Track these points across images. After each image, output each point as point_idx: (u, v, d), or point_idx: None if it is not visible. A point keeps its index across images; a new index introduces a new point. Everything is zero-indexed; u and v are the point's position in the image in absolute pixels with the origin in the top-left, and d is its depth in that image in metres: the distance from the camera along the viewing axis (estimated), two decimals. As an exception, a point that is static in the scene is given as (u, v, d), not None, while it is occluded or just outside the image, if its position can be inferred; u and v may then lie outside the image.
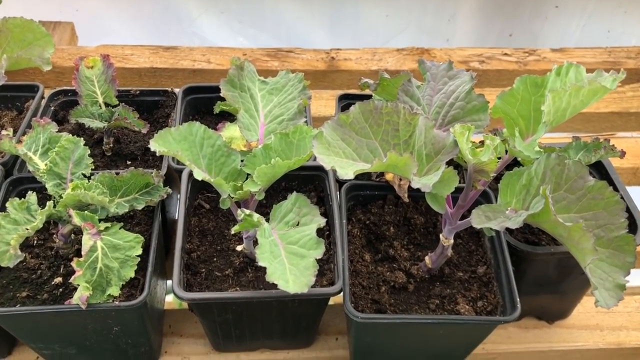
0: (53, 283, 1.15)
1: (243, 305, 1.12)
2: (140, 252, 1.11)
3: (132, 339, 1.19)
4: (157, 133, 1.05)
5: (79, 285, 1.05)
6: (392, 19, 2.76)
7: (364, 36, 2.77)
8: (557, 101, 0.93)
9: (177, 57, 2.03)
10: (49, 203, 1.11)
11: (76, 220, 1.09)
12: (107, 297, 1.07)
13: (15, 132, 1.42)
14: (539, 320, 1.44)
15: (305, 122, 1.16)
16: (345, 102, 1.58)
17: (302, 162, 1.04)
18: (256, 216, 1.02)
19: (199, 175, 1.04)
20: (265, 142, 1.10)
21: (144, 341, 1.22)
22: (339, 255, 1.14)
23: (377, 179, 1.36)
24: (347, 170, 0.92)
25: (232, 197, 1.07)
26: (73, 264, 1.05)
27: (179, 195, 1.26)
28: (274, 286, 0.95)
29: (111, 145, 1.44)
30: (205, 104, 1.57)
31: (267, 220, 1.08)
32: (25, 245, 1.22)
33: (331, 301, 1.21)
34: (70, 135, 1.21)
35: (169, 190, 1.23)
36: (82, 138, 1.21)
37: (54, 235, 1.20)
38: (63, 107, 1.54)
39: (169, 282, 1.29)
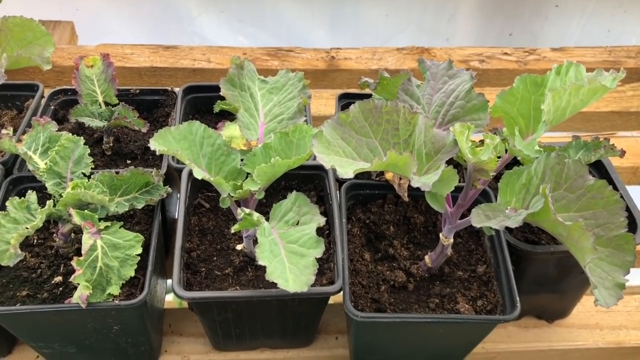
0: (53, 282, 1.15)
1: (243, 304, 1.12)
2: (140, 251, 1.11)
3: (132, 338, 1.19)
4: (157, 132, 1.05)
5: (79, 284, 1.05)
6: (392, 18, 2.76)
7: (364, 35, 2.77)
8: (557, 100, 0.93)
9: (177, 57, 2.03)
10: (49, 202, 1.11)
11: (76, 219, 1.09)
12: (107, 296, 1.07)
13: (15, 131, 1.42)
14: (538, 319, 1.44)
15: (305, 121, 1.16)
16: (345, 101, 1.58)
17: (301, 161, 1.04)
18: (256, 215, 1.02)
19: (199, 174, 1.04)
20: (265, 141, 1.10)
21: (144, 340, 1.22)
22: (338, 255, 1.14)
23: (377, 178, 1.36)
24: (347, 169, 0.92)
25: (232, 196, 1.07)
26: (73, 263, 1.05)
27: (178, 195, 1.26)
28: (273, 285, 0.95)
29: (111, 144, 1.44)
30: (205, 103, 1.57)
31: (267, 219, 1.08)
32: (25, 244, 1.22)
33: (331, 300, 1.21)
34: (70, 134, 1.21)
35: (169, 190, 1.23)
36: (82, 137, 1.21)
37: (54, 235, 1.20)
38: (63, 106, 1.54)
39: (169, 281, 1.30)
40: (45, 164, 1.17)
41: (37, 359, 1.30)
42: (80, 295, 1.04)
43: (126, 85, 1.60)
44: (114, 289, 1.07)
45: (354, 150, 0.97)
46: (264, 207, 1.29)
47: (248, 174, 1.09)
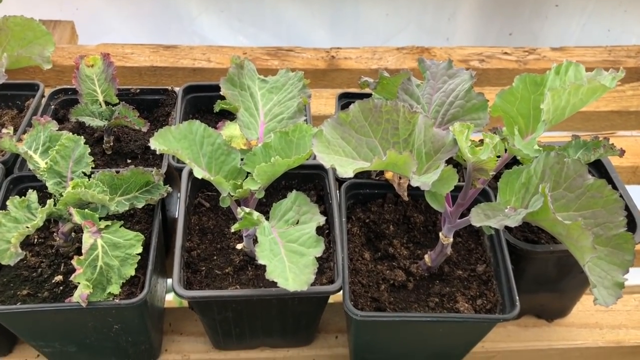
0: (53, 281, 1.15)
1: (243, 303, 1.13)
2: (140, 250, 1.11)
3: (132, 337, 1.19)
4: (157, 131, 1.05)
5: (79, 283, 1.05)
6: (392, 18, 2.76)
7: (364, 35, 2.77)
8: (557, 99, 0.93)
9: (177, 56, 2.03)
10: (50, 201, 1.11)
11: (76, 218, 1.10)
12: (107, 295, 1.07)
13: (15, 130, 1.43)
14: (538, 318, 1.44)
15: (305, 120, 1.16)
16: (345, 100, 1.58)
17: (301, 160, 1.04)
18: (256, 214, 1.02)
19: (199, 173, 1.04)
20: (265, 140, 1.10)
21: (144, 339, 1.22)
22: (338, 254, 1.15)
23: (377, 178, 1.36)
24: (347, 168, 0.92)
25: (232, 196, 1.07)
26: (73, 262, 1.05)
27: (179, 194, 1.26)
28: (273, 284, 0.96)
29: (111, 143, 1.44)
30: (206, 102, 1.57)
31: (267, 218, 1.08)
32: (26, 244, 1.22)
33: (331, 299, 1.21)
34: (71, 133, 1.21)
35: (169, 189, 1.23)
36: (82, 137, 1.21)
37: (55, 234, 1.20)
38: (63, 106, 1.55)
39: (169, 280, 1.30)
40: (46, 163, 1.17)
41: (37, 358, 1.30)
42: (81, 294, 1.04)
43: (126, 85, 1.60)
44: (115, 288, 1.07)
45: (354, 149, 0.98)
46: (264, 207, 1.29)
47: (248, 173, 1.09)
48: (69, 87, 1.55)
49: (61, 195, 1.14)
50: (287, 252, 1.01)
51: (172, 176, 1.41)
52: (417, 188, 0.93)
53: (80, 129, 1.49)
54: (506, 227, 0.96)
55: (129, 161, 1.44)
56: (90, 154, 1.21)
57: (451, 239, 1.13)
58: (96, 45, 2.08)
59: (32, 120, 1.23)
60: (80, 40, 2.37)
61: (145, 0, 2.67)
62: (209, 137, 1.09)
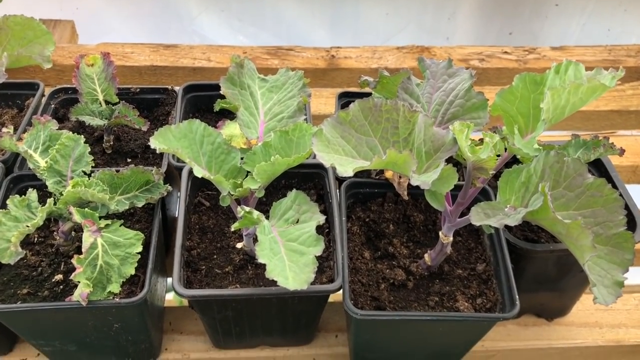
0: (54, 280, 1.15)
1: (243, 302, 1.13)
2: (140, 249, 1.11)
3: (132, 336, 1.19)
4: (157, 131, 1.05)
5: (79, 282, 1.05)
6: (392, 17, 2.76)
7: (364, 35, 2.77)
8: (556, 99, 0.93)
9: (177, 55, 2.03)
10: (50, 200, 1.11)
11: (76, 217, 1.10)
12: (107, 294, 1.07)
13: (15, 129, 1.43)
14: (538, 317, 1.44)
15: (305, 119, 1.16)
16: (345, 100, 1.58)
17: (301, 159, 1.04)
18: (256, 213, 1.02)
19: (199, 172, 1.04)
20: (265, 139, 1.10)
21: (144, 338, 1.22)
22: (338, 253, 1.15)
23: (377, 177, 1.36)
24: (347, 167, 0.92)
25: (232, 195, 1.07)
26: (73, 261, 1.05)
27: (179, 193, 1.26)
28: (273, 283, 0.96)
29: (111, 142, 1.45)
30: (206, 101, 1.57)
31: (267, 217, 1.08)
32: (26, 243, 1.22)
33: (331, 298, 1.21)
34: (71, 132, 1.21)
35: (169, 188, 1.23)
36: (82, 136, 1.21)
37: (55, 233, 1.20)
38: (63, 105, 1.55)
39: (169, 279, 1.30)
40: (46, 162, 1.17)
41: (37, 357, 1.30)
42: (81, 293, 1.04)
43: (126, 84, 1.60)
44: (115, 287, 1.07)
45: (354, 148, 0.98)
46: (264, 206, 1.30)
47: (248, 172, 1.09)
48: (69, 86, 1.55)
49: (61, 194, 1.14)
50: (287, 251, 1.01)
51: (172, 175, 1.41)
52: (417, 187, 0.93)
53: (80, 128, 1.49)
54: (506, 226, 0.96)
55: (129, 160, 1.44)
56: (90, 153, 1.21)
57: (451, 238, 1.13)
58: (96, 44, 2.08)
59: (32, 119, 1.23)
60: (80, 40, 2.37)
61: (146, -1, 2.67)
62: (209, 136, 1.09)
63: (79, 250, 1.15)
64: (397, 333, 1.19)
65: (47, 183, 1.17)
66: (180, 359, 1.33)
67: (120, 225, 1.14)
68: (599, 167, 1.42)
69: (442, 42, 2.70)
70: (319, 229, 1.06)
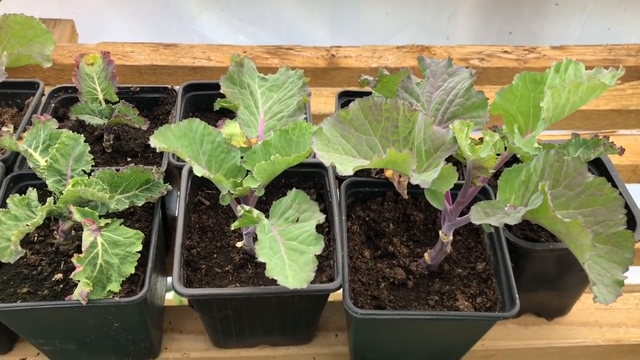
0: (53, 279, 1.15)
1: (243, 301, 1.13)
2: (140, 248, 1.11)
3: (132, 335, 1.19)
4: (157, 130, 1.05)
5: (79, 281, 1.05)
6: (392, 17, 2.76)
7: (364, 34, 2.77)
8: (556, 98, 0.93)
9: (177, 55, 2.03)
10: (50, 199, 1.11)
11: (76, 216, 1.10)
12: (107, 293, 1.07)
13: (15, 128, 1.43)
14: (538, 316, 1.44)
15: (305, 118, 1.16)
16: (345, 99, 1.58)
17: (301, 158, 1.04)
18: (256, 212, 1.02)
19: (199, 171, 1.04)
20: (265, 138, 1.10)
21: (144, 337, 1.22)
22: (338, 252, 1.15)
23: (377, 176, 1.36)
24: (347, 166, 0.92)
25: (232, 194, 1.07)
26: (73, 260, 1.05)
27: (179, 192, 1.26)
28: (273, 282, 0.96)
29: (111, 142, 1.45)
30: (205, 101, 1.57)
31: (267, 216, 1.08)
32: (26, 242, 1.22)
33: (331, 297, 1.21)
34: (71, 132, 1.21)
35: (169, 187, 1.23)
36: (82, 135, 1.21)
37: (55, 232, 1.20)
38: (63, 104, 1.55)
39: (169, 278, 1.30)
40: (46, 161, 1.17)
41: (37, 356, 1.30)
42: (81, 292, 1.04)
43: (126, 83, 1.60)
44: (114, 286, 1.07)
45: (354, 147, 0.98)
46: (264, 205, 1.29)
47: (248, 171, 1.09)
48: (69, 85, 1.55)
49: (61, 193, 1.14)
50: (287, 250, 1.01)
51: (172, 174, 1.41)
52: (417, 186, 0.93)
53: (80, 127, 1.49)
54: (506, 225, 0.96)
55: (129, 159, 1.44)
56: (90, 152, 1.21)
57: (451, 237, 1.13)
58: (96, 43, 2.08)
59: (32, 118, 1.23)
60: (80, 39, 2.37)
61: (146, -2, 2.67)
62: (208, 135, 1.09)
63: (78, 249, 1.15)
64: (397, 332, 1.19)
65: (47, 182, 1.17)
66: (180, 358, 1.33)
67: (120, 224, 1.14)
68: (598, 166, 1.42)
69: (442, 42, 2.70)
70: (319, 228, 1.06)
